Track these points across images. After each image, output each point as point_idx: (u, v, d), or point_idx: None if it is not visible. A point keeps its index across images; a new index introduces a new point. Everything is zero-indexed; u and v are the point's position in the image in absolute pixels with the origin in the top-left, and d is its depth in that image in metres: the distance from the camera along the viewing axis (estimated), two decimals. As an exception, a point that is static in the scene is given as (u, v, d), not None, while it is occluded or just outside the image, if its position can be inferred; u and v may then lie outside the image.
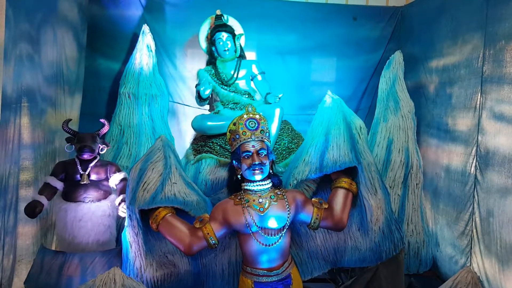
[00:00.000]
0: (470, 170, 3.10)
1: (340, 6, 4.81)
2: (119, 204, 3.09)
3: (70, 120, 3.27)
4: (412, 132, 3.90)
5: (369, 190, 2.72)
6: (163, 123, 4.29)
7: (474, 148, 3.06)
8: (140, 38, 4.25)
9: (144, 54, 4.21)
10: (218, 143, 3.70)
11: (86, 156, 3.10)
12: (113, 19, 4.45)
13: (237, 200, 2.44)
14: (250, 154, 2.38)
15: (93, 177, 3.16)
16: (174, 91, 4.71)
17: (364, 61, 4.80)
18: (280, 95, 3.73)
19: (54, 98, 3.50)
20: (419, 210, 3.78)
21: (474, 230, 3.04)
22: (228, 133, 2.51)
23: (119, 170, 3.24)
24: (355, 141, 2.77)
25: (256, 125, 2.43)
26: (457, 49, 3.39)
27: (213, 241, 2.39)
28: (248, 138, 2.40)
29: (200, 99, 3.95)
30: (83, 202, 3.11)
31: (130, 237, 2.59)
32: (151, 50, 4.27)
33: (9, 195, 2.78)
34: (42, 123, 3.24)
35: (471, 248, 3.07)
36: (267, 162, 2.42)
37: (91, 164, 3.15)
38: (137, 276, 2.59)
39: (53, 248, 3.42)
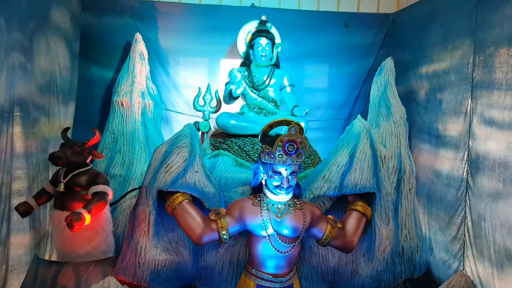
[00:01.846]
0: (462, 174, 3.13)
1: (331, 13, 4.86)
2: (71, 216, 2.73)
3: (69, 128, 3.26)
4: (404, 138, 3.91)
5: (382, 219, 2.76)
6: (157, 131, 4.29)
7: (465, 153, 3.09)
8: (132, 46, 4.25)
9: (137, 62, 4.21)
10: (237, 144, 3.74)
11: (53, 163, 3.02)
12: (105, 28, 4.46)
13: (256, 201, 2.45)
14: (281, 176, 2.36)
15: (76, 187, 3.07)
16: (167, 99, 4.72)
17: (356, 67, 4.84)
18: (307, 110, 3.77)
19: (47, 107, 3.49)
20: (412, 215, 3.78)
21: (466, 234, 3.06)
22: (261, 134, 2.48)
23: (103, 183, 3.06)
24: (378, 169, 2.82)
25: (294, 150, 2.33)
26: (447, 55, 3.42)
27: (224, 236, 2.40)
28: (283, 163, 2.34)
29: (230, 97, 4.01)
30: (61, 210, 3.02)
31: (141, 215, 2.60)
32: (144, 58, 4.28)
33: (1, 204, 2.76)
34: (35, 132, 3.23)
35: (463, 252, 3.09)
36: (295, 182, 2.42)
37: (73, 173, 3.06)
38: (139, 255, 2.59)
39: (47, 257, 3.39)
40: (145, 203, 2.59)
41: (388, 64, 4.21)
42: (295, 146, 2.32)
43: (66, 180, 3.05)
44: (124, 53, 4.44)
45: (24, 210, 2.91)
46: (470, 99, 3.06)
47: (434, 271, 3.57)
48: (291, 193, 2.46)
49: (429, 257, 3.66)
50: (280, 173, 2.34)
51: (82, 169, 3.10)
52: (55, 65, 3.64)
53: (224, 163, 3.61)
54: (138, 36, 4.27)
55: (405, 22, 4.46)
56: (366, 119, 4.18)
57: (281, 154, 2.31)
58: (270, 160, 2.35)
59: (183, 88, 4.75)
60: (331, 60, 4.88)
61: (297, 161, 2.37)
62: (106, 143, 4.08)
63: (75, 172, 3.07)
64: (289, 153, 2.31)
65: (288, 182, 2.35)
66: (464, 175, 3.10)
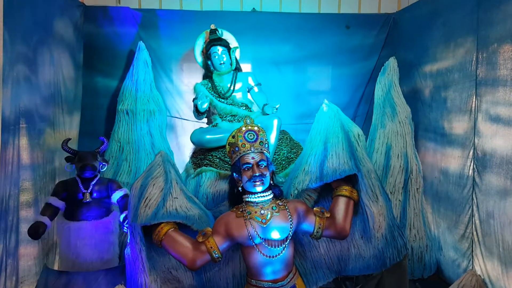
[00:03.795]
0: (468, 172, 3.11)
1: (333, 15, 4.85)
2: (124, 220, 3.07)
3: (70, 139, 3.29)
4: (410, 137, 3.91)
5: (370, 197, 2.71)
6: (162, 138, 4.30)
7: (471, 151, 3.08)
8: (136, 55, 4.28)
9: (140, 70, 4.24)
10: (218, 156, 3.71)
11: (88, 174, 3.11)
12: (108, 37, 4.48)
13: (239, 212, 2.43)
14: (250, 166, 2.38)
15: (95, 195, 3.17)
16: (171, 106, 4.74)
17: (359, 68, 4.82)
18: (277, 106, 3.76)
19: (53, 118, 3.52)
20: (420, 215, 3.78)
21: (475, 233, 3.04)
22: (227, 146, 2.51)
23: (120, 187, 3.25)
24: (354, 149, 2.77)
25: (255, 137, 2.44)
26: (450, 53, 3.42)
27: (216, 255, 2.38)
28: (248, 150, 2.40)
29: (198, 113, 3.97)
30: (85, 220, 3.12)
31: (133, 253, 2.59)
32: (148, 66, 4.30)
33: (10, 216, 2.78)
34: (41, 144, 3.26)
35: (472, 251, 3.07)
36: (268, 173, 2.42)
37: (93, 182, 3.16)
38: None
39: (56, 268, 3.41)
40: (134, 241, 2.57)
41: (392, 64, 4.21)
42: (254, 134, 2.45)
43: (90, 189, 3.14)
44: (127, 62, 4.46)
45: (44, 232, 2.94)
46: (474, 97, 3.05)
47: (444, 270, 3.56)
48: (270, 192, 2.45)
49: (439, 257, 3.64)
50: (249, 163, 2.38)
51: (97, 177, 3.21)
52: (59, 76, 3.68)
53: (208, 179, 3.61)
54: (141, 44, 4.30)
55: (407, 22, 4.45)
56: (371, 120, 4.20)
57: (244, 144, 2.41)
58: (237, 155, 2.43)
59: (187, 95, 4.76)
60: (333, 62, 4.86)
61: (261, 149, 2.43)
62: (112, 152, 4.10)
63: (94, 181, 3.17)
64: (251, 140, 2.43)
65: (259, 168, 2.38)
66: (471, 173, 3.08)
